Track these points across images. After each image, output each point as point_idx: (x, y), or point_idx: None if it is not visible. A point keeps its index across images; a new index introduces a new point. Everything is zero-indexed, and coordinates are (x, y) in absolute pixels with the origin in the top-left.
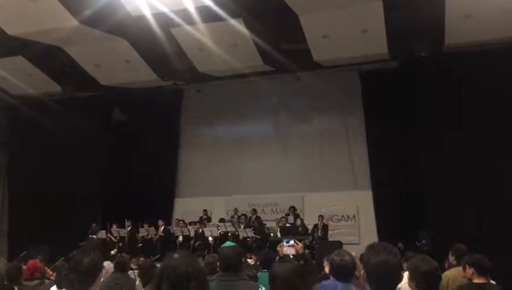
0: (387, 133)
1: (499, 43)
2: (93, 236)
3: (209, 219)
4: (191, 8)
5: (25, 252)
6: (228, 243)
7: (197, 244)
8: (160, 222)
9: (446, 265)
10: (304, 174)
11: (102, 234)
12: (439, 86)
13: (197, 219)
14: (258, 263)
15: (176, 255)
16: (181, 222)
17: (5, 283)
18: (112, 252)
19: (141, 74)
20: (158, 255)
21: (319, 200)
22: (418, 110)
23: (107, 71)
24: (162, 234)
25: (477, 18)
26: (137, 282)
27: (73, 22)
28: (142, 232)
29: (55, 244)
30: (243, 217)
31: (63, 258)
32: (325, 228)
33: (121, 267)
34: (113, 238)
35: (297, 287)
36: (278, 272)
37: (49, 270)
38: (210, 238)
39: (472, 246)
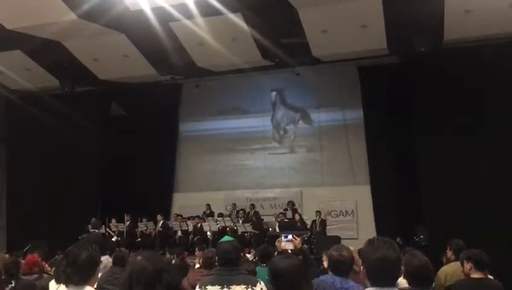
0: (386, 128)
1: (498, 38)
2: (96, 230)
3: (211, 214)
4: (190, 3)
5: (28, 247)
6: (226, 238)
7: (195, 239)
8: (159, 217)
9: (444, 260)
10: (303, 169)
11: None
12: (438, 81)
13: (195, 214)
14: (256, 257)
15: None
16: (179, 217)
17: (2, 277)
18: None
19: (140, 69)
20: (161, 252)
21: (318, 195)
22: (417, 105)
23: (106, 66)
24: (160, 229)
25: (476, 13)
26: None
27: (72, 16)
28: (141, 226)
29: (54, 239)
30: (241, 212)
31: (59, 252)
32: (323, 223)
33: (120, 262)
34: (111, 233)
35: (302, 283)
36: (283, 269)
37: (46, 265)
38: (209, 233)
39: (470, 241)
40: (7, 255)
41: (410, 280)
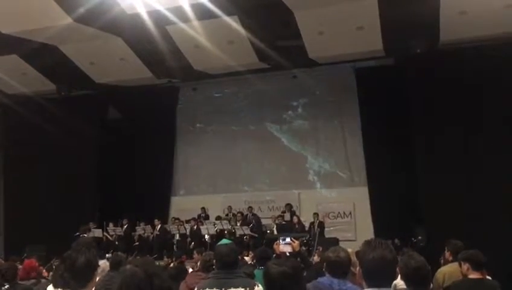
0: (383, 130)
1: (493, 39)
2: (84, 235)
3: (207, 217)
4: (186, 6)
5: (26, 255)
6: (224, 241)
7: (192, 243)
8: (157, 221)
9: (442, 261)
10: (300, 171)
11: (98, 232)
12: (434, 82)
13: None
14: (254, 260)
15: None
16: (177, 220)
17: None
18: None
19: (136, 72)
20: (155, 255)
21: (315, 198)
22: (414, 106)
23: (102, 69)
24: (158, 233)
25: (471, 14)
26: None
27: (68, 20)
28: (139, 230)
29: (52, 243)
30: (239, 214)
31: (55, 257)
32: (321, 225)
33: (117, 266)
34: (109, 237)
35: None
36: (273, 275)
37: (44, 270)
38: (206, 236)
39: (469, 242)
40: (3, 261)
41: (408, 282)
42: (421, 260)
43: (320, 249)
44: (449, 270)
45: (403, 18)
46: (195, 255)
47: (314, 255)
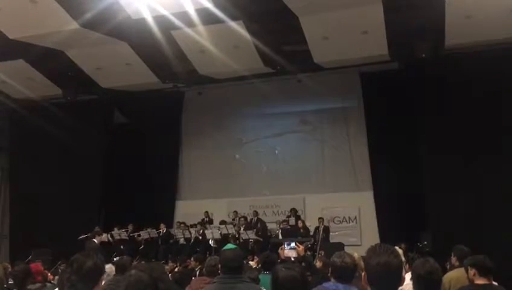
0: (388, 134)
1: (499, 44)
2: (93, 239)
3: (210, 221)
4: (191, 11)
5: (30, 257)
6: (229, 246)
7: (197, 248)
8: (162, 226)
9: (448, 266)
10: (305, 175)
11: (103, 237)
12: (439, 86)
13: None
14: (259, 265)
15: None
16: (182, 225)
17: (5, 286)
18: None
19: (142, 77)
20: (163, 261)
21: (320, 202)
22: (419, 111)
23: (108, 74)
24: (163, 237)
25: (477, 19)
26: None
27: (74, 25)
28: (144, 234)
29: (57, 247)
30: (242, 219)
31: (60, 262)
32: (326, 229)
33: (122, 270)
34: (111, 240)
35: None
36: (281, 279)
37: (49, 274)
38: (211, 241)
39: (475, 246)
40: (9, 266)
41: (418, 284)
42: (436, 266)
43: (322, 253)
44: (455, 275)
45: (407, 23)
46: (192, 262)
47: (316, 261)
